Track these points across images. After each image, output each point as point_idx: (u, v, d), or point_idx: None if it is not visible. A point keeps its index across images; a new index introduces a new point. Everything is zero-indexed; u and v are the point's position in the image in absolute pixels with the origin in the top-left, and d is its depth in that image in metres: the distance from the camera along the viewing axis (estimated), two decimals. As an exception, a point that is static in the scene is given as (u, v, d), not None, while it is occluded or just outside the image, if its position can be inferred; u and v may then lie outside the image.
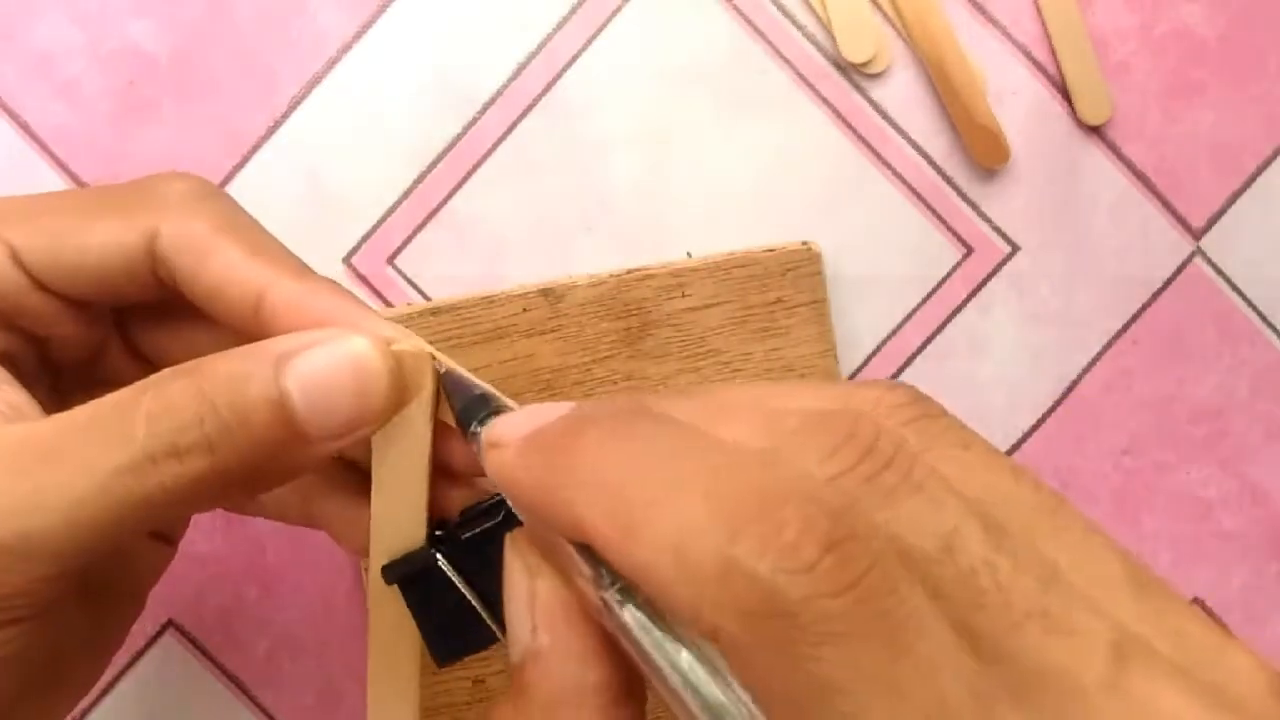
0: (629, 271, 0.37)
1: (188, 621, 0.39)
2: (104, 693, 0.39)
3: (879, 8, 0.39)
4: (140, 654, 0.39)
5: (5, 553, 0.21)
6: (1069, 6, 0.39)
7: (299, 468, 0.23)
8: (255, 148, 0.39)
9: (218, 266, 0.24)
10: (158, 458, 0.21)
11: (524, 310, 0.37)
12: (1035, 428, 0.40)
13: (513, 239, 0.39)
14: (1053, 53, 0.39)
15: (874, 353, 0.40)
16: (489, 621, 0.25)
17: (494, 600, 0.25)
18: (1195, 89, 0.40)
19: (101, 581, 0.26)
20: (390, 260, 0.39)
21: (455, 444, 0.25)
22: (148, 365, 0.28)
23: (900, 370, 0.40)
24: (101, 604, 0.26)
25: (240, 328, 0.24)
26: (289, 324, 0.23)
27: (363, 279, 0.39)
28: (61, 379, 0.27)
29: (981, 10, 0.39)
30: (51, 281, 0.25)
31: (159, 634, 0.39)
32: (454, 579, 0.25)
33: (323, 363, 0.22)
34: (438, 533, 0.25)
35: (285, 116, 0.39)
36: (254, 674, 0.39)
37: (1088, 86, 0.39)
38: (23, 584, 0.22)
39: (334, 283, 0.25)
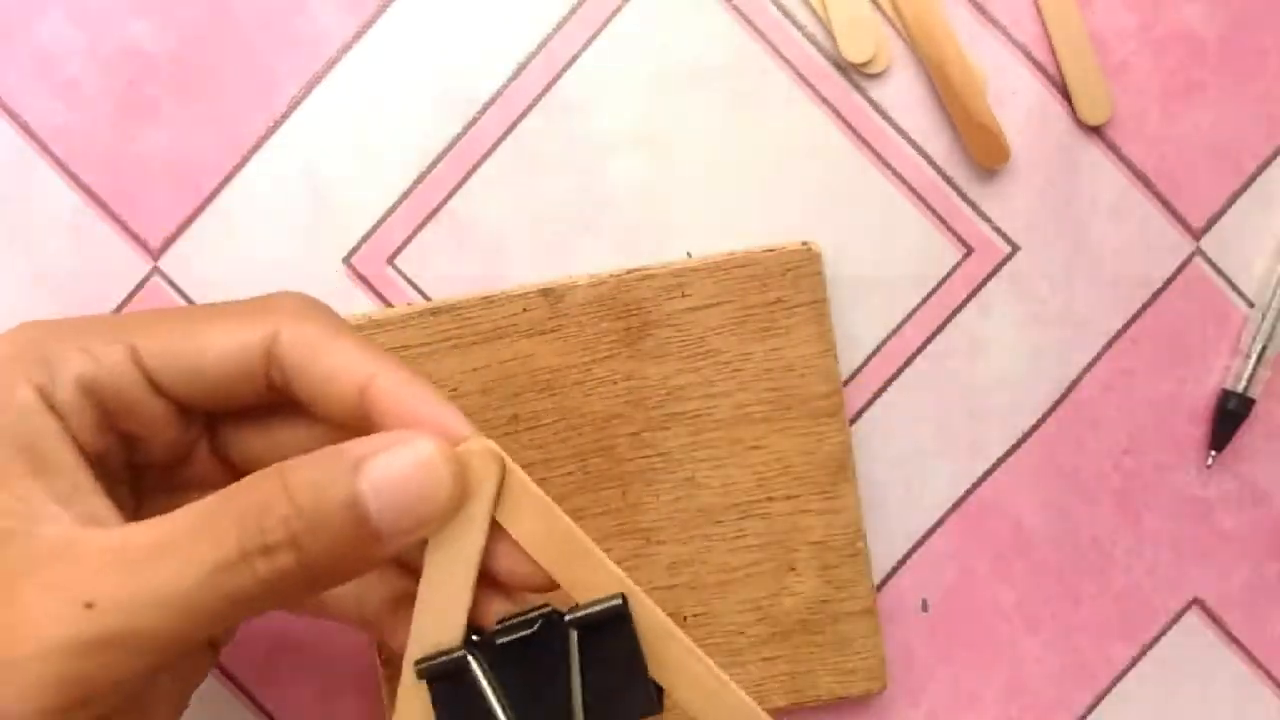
0: (629, 271, 0.37)
1: (188, 621, 0.39)
2: (104, 693, 0.39)
3: (879, 8, 0.39)
4: (140, 654, 0.39)
5: (116, 646, 0.23)
6: (1069, 6, 0.39)
7: (373, 562, 0.25)
8: (255, 148, 0.39)
9: (331, 358, 0.26)
10: (249, 554, 0.23)
11: (524, 310, 0.37)
12: (1035, 428, 0.40)
13: (513, 239, 0.39)
14: (1053, 53, 0.39)
15: (874, 353, 0.40)
16: None
17: (519, 714, 0.25)
18: (1195, 89, 0.40)
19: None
20: (390, 260, 0.39)
21: (506, 551, 0.26)
22: (231, 469, 0.29)
23: (900, 370, 0.40)
24: (144, 708, 0.27)
25: (342, 415, 0.26)
26: (388, 410, 0.25)
27: (363, 279, 0.39)
28: (144, 479, 0.28)
29: (981, 10, 0.39)
30: (168, 382, 0.26)
31: (159, 634, 0.39)
32: (482, 683, 0.25)
33: (393, 466, 0.24)
34: (474, 637, 0.26)
35: (285, 116, 0.39)
36: (254, 674, 0.39)
37: (1088, 86, 0.39)
38: (124, 675, 0.23)
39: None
